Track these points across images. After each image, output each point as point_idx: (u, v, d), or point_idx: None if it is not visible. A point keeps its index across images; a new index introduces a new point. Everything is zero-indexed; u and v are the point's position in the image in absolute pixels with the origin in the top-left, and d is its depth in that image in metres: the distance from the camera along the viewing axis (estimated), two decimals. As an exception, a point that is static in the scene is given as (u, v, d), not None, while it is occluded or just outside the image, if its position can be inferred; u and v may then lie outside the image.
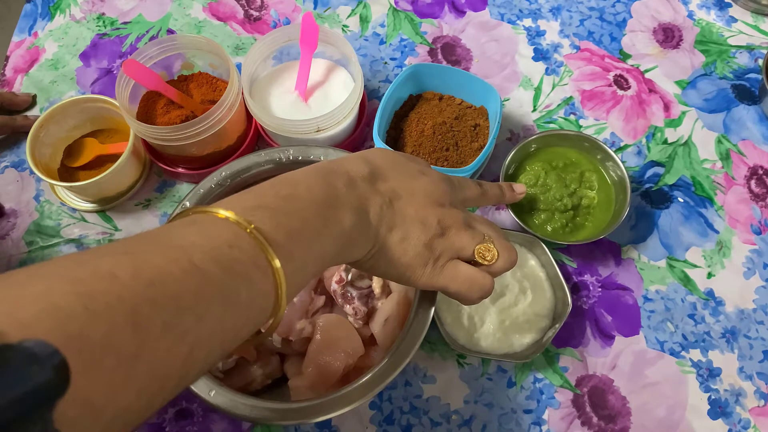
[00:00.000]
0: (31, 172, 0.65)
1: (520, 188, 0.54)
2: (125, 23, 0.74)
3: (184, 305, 0.26)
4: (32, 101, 0.70)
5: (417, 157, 0.46)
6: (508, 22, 0.74)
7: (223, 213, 0.31)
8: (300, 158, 0.54)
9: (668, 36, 0.73)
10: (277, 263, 0.30)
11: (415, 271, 0.40)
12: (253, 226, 0.30)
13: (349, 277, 0.52)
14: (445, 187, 0.42)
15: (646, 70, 0.71)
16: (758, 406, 0.55)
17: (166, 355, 0.25)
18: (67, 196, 0.64)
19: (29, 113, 0.70)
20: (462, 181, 0.46)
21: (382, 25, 0.74)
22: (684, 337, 0.58)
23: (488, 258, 0.41)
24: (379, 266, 0.40)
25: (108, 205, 0.64)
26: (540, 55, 0.72)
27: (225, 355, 0.31)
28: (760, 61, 0.71)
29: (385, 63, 0.71)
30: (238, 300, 0.29)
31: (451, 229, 0.40)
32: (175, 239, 0.29)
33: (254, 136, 0.65)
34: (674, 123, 0.68)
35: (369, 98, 0.68)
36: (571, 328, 0.58)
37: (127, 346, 0.24)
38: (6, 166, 0.67)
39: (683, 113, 0.68)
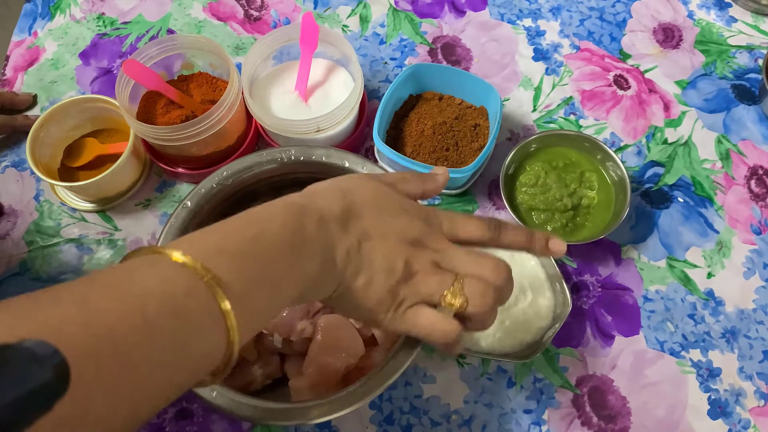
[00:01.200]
0: (32, 172, 0.65)
1: (558, 246, 0.42)
2: (125, 23, 0.74)
3: (133, 362, 0.26)
4: (33, 101, 0.70)
5: (404, 186, 0.42)
6: (508, 22, 0.74)
7: (182, 258, 0.30)
8: (302, 158, 0.54)
9: (668, 36, 0.73)
10: (232, 319, 0.30)
11: (377, 315, 0.39)
12: (210, 275, 0.30)
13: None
14: (423, 227, 0.39)
15: (646, 70, 0.71)
16: (758, 406, 0.55)
17: (107, 414, 0.25)
18: (67, 196, 0.64)
19: (30, 113, 0.70)
20: (454, 220, 0.41)
21: (382, 25, 0.74)
22: (684, 337, 0.58)
23: (456, 304, 0.37)
24: (341, 307, 0.39)
25: (108, 205, 0.64)
26: (540, 55, 0.72)
27: (169, 403, 0.30)
28: (760, 61, 0.71)
29: (385, 63, 0.71)
30: (187, 353, 0.28)
31: (418, 273, 0.38)
32: (132, 286, 0.28)
33: (254, 136, 0.65)
34: (674, 123, 0.68)
35: (369, 98, 0.68)
36: (571, 328, 0.58)
37: (64, 407, 0.22)
38: (6, 166, 0.67)
39: (683, 113, 0.68)
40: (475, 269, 0.38)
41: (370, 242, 0.38)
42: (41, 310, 0.25)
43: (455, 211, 0.42)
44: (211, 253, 0.31)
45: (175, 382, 0.28)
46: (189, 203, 0.52)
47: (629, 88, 0.70)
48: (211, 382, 0.32)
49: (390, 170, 0.54)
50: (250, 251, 0.32)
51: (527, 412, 0.55)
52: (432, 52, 0.72)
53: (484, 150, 0.58)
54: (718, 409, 0.55)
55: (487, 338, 0.55)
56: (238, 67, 0.61)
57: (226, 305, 0.29)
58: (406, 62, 0.71)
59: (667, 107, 0.69)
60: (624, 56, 0.72)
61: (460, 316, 0.38)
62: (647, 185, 0.65)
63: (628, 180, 0.59)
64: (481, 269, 0.38)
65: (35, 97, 0.70)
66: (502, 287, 0.39)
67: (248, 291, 0.31)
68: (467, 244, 0.41)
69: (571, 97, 0.69)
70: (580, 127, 0.68)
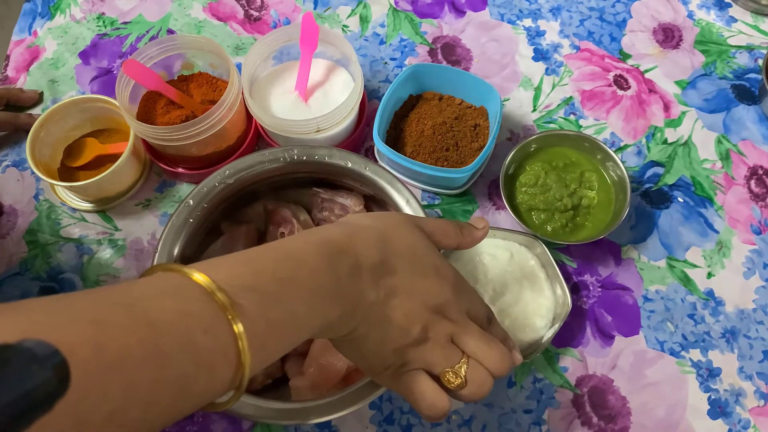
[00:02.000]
0: (32, 172, 0.65)
1: (517, 360, 0.44)
2: (125, 23, 0.75)
3: (137, 396, 0.25)
4: (39, 98, 0.70)
5: (442, 237, 0.42)
6: (508, 22, 0.74)
7: (209, 287, 0.29)
8: (304, 158, 0.54)
9: (668, 36, 0.73)
10: (247, 359, 0.29)
11: (376, 368, 0.39)
12: (236, 313, 0.29)
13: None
14: (450, 295, 0.39)
15: (646, 70, 0.71)
16: (758, 406, 0.55)
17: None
18: (67, 195, 0.64)
19: (33, 111, 0.70)
20: (474, 300, 0.42)
21: (382, 25, 0.74)
22: (684, 337, 0.58)
23: (454, 384, 0.38)
24: (345, 351, 0.39)
25: (108, 205, 0.64)
26: (540, 55, 0.72)
27: (165, 427, 0.30)
28: (760, 61, 0.71)
29: (385, 63, 0.71)
30: (193, 390, 0.28)
31: (429, 341, 0.38)
32: (150, 312, 0.27)
33: (254, 136, 0.65)
34: (674, 123, 0.68)
35: (369, 98, 0.68)
36: (571, 328, 0.58)
37: (62, 424, 0.22)
38: (7, 165, 0.67)
39: (683, 113, 0.68)
40: (481, 356, 0.38)
41: (395, 299, 0.37)
42: (55, 328, 0.24)
43: (475, 292, 0.43)
44: (243, 288, 0.30)
45: (173, 411, 0.28)
46: (191, 201, 0.52)
47: (629, 88, 0.70)
48: (213, 409, 0.32)
49: (390, 170, 0.54)
50: (278, 294, 0.32)
51: (527, 412, 0.55)
52: (432, 52, 0.72)
53: (484, 150, 0.58)
54: (718, 409, 0.55)
55: (487, 338, 0.55)
56: (238, 67, 0.61)
57: (246, 351, 0.29)
58: (406, 62, 0.71)
59: (667, 107, 0.69)
60: (624, 56, 0.72)
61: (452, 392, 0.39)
62: (647, 185, 0.65)
63: (628, 180, 0.59)
64: (488, 358, 0.38)
65: (41, 94, 0.70)
66: (500, 377, 0.39)
67: (267, 333, 0.31)
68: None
69: (571, 97, 0.69)
70: (580, 127, 0.68)
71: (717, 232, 0.62)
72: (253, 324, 0.30)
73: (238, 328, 0.29)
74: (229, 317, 0.29)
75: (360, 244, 0.36)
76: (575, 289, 0.60)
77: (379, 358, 0.38)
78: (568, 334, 0.58)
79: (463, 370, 0.38)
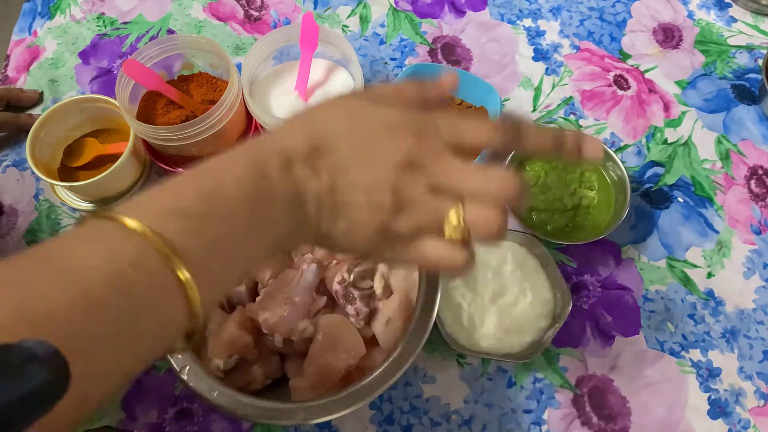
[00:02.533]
0: (32, 172, 0.65)
1: (594, 150, 0.34)
2: (125, 23, 0.74)
3: (75, 348, 0.23)
4: (39, 98, 0.70)
5: (396, 98, 0.35)
6: (508, 22, 0.74)
7: (130, 222, 0.26)
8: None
9: (668, 36, 0.73)
10: (194, 289, 0.27)
11: (376, 255, 0.34)
12: (162, 240, 0.26)
13: (351, 277, 0.52)
14: (413, 143, 0.32)
15: (646, 70, 0.71)
16: (758, 406, 0.55)
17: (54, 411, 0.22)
18: (67, 195, 0.64)
19: (34, 111, 0.70)
20: (456, 123, 0.34)
21: (382, 25, 0.74)
22: (684, 337, 0.58)
23: (455, 235, 0.32)
24: (332, 249, 0.35)
25: (108, 205, 0.64)
26: (540, 55, 0.72)
27: (128, 379, 0.27)
28: (760, 61, 0.71)
29: (385, 63, 0.71)
30: (138, 331, 0.26)
31: (409, 203, 0.32)
32: (73, 262, 0.25)
33: (254, 136, 0.65)
34: (674, 123, 0.68)
35: (369, 98, 0.68)
36: (571, 328, 0.58)
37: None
38: (7, 165, 0.67)
39: (683, 113, 0.68)
40: (477, 184, 0.32)
41: (346, 178, 0.31)
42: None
43: (458, 114, 0.35)
44: (162, 215, 0.27)
45: (126, 361, 0.26)
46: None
47: (629, 88, 0.70)
48: (184, 347, 0.30)
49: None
50: (207, 211, 0.29)
51: (527, 412, 0.55)
52: (432, 52, 0.72)
53: (483, 150, 0.58)
54: (718, 409, 0.55)
55: (487, 338, 0.55)
56: (238, 67, 0.61)
57: (185, 274, 0.26)
58: (406, 62, 0.71)
59: (667, 107, 0.69)
60: (624, 56, 0.72)
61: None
62: (647, 185, 0.65)
63: (628, 180, 0.59)
64: (486, 183, 0.32)
65: (41, 94, 0.70)
66: (510, 201, 0.32)
67: (208, 255, 0.28)
68: (477, 151, 0.34)
69: (571, 97, 0.69)
70: (580, 127, 0.68)
71: (717, 232, 0.62)
72: (188, 247, 0.27)
73: (173, 259, 0.26)
74: (157, 247, 0.26)
75: (284, 138, 0.32)
76: (575, 289, 0.60)
77: (368, 244, 0.33)
78: (568, 334, 0.58)
79: (455, 217, 0.31)
